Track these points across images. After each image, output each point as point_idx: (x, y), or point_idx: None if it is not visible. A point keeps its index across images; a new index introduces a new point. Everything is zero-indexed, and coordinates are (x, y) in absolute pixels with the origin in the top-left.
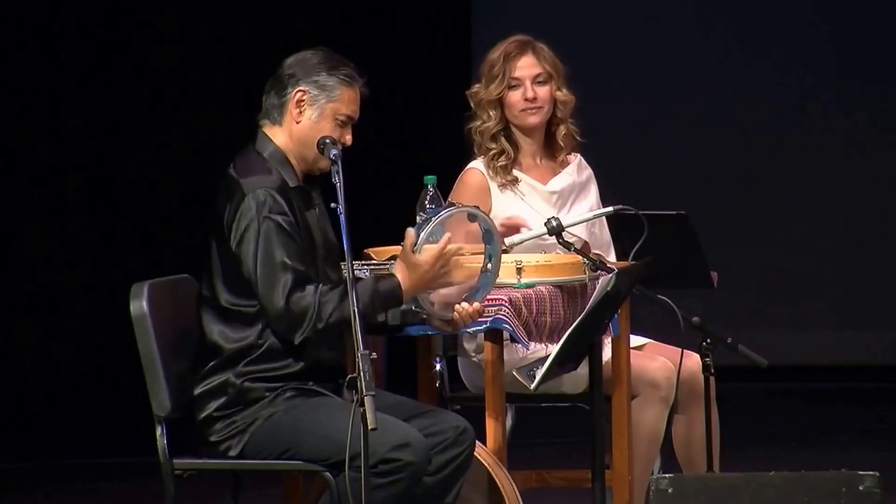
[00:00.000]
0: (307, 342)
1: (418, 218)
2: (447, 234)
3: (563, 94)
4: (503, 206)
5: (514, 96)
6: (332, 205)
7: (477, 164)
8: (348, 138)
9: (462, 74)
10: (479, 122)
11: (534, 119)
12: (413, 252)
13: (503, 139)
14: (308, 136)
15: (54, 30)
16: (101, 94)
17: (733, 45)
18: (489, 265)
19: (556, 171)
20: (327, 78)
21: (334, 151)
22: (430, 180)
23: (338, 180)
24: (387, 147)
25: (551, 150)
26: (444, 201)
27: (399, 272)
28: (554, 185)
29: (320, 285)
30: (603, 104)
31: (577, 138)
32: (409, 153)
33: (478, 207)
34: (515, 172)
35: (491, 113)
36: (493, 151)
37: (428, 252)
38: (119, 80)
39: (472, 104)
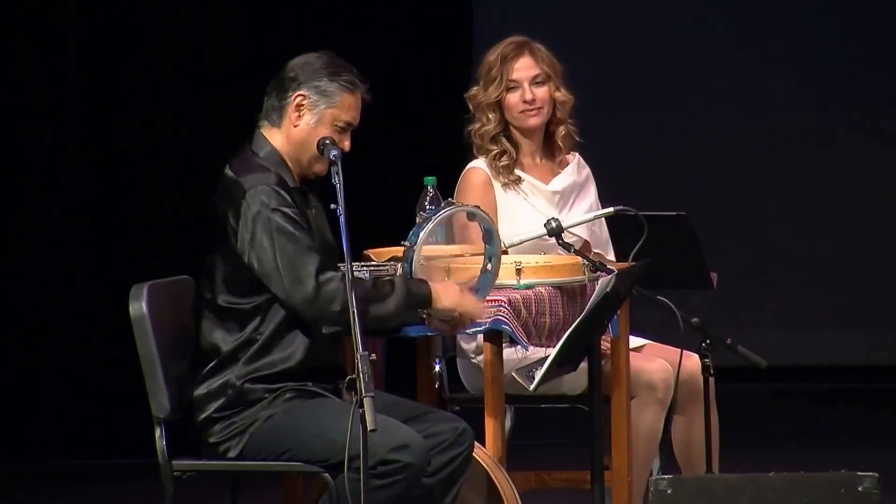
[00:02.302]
0: (341, 318)
1: (418, 218)
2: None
3: (561, 95)
4: (506, 204)
5: (513, 98)
6: (332, 206)
7: (479, 163)
8: (347, 144)
9: (462, 75)
10: (478, 125)
11: (533, 120)
12: (413, 250)
13: (504, 140)
14: (305, 140)
15: (53, 30)
16: (99, 95)
17: (733, 44)
18: (489, 265)
19: (556, 171)
20: (328, 84)
21: (334, 152)
22: (430, 181)
23: (338, 181)
24: (386, 148)
25: (550, 149)
26: (444, 202)
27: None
28: (555, 185)
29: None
30: (602, 104)
31: (576, 138)
32: (409, 154)
33: (479, 207)
34: (518, 172)
35: (490, 116)
36: (495, 152)
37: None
38: (117, 81)
39: (470, 107)
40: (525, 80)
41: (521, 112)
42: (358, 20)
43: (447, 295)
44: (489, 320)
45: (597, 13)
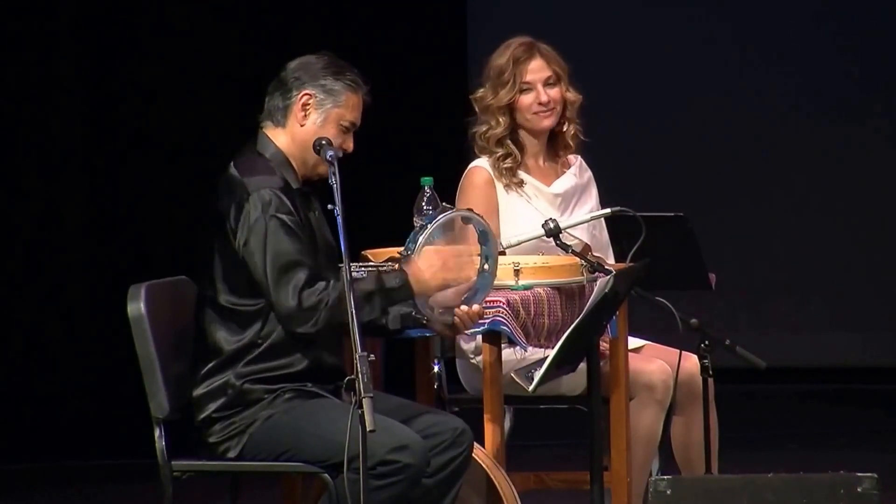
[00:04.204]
0: (320, 334)
1: (415, 221)
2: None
3: (571, 94)
4: (508, 206)
5: (527, 100)
6: (330, 206)
7: (481, 163)
8: (350, 144)
9: (458, 75)
10: (485, 128)
11: (547, 122)
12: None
13: (509, 143)
14: (311, 140)
15: (50, 31)
16: (98, 94)
17: (732, 45)
18: (486, 266)
19: (559, 173)
20: (333, 83)
21: (331, 153)
22: (427, 181)
23: (335, 182)
24: (383, 148)
25: (554, 150)
26: (441, 202)
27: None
28: (557, 188)
29: (331, 281)
30: (600, 104)
31: (582, 137)
32: (406, 154)
33: (472, 210)
34: (521, 174)
35: (500, 119)
36: (499, 154)
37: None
38: (117, 81)
39: (477, 109)
40: (539, 82)
41: (535, 114)
42: (354, 21)
43: (428, 272)
44: (488, 321)
45: (593, 13)
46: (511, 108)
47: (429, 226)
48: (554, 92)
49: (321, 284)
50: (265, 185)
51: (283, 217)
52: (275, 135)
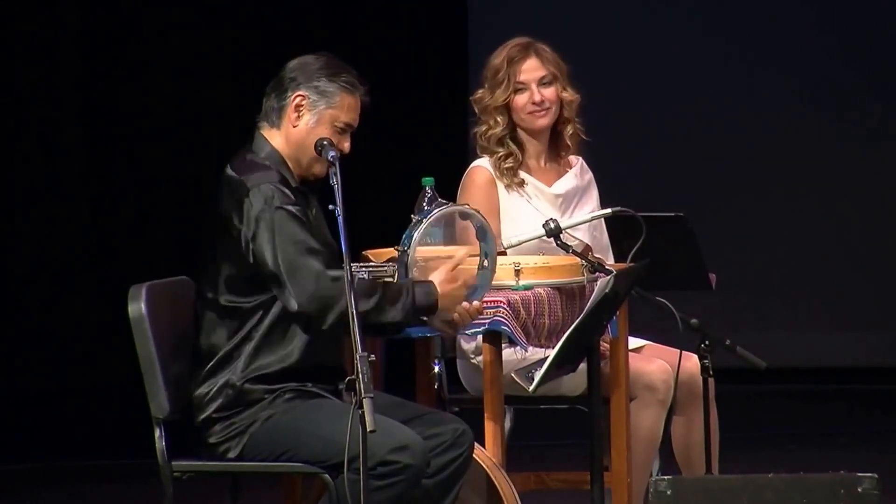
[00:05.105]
0: (340, 323)
1: (412, 218)
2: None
3: (568, 94)
4: (509, 206)
5: (521, 100)
6: (330, 206)
7: (483, 162)
8: (346, 146)
9: (459, 76)
10: (485, 128)
11: (542, 121)
12: (408, 254)
13: (510, 142)
14: (304, 140)
15: (51, 29)
16: (97, 94)
17: (732, 45)
18: (485, 262)
19: (560, 174)
20: (328, 84)
21: (332, 153)
22: (428, 181)
23: (336, 182)
24: (384, 148)
25: (556, 151)
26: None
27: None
28: (558, 188)
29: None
30: (600, 105)
31: (583, 137)
32: (407, 154)
33: (468, 205)
34: (522, 175)
35: (498, 119)
36: (500, 154)
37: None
38: (116, 81)
39: (476, 110)
40: (532, 82)
41: (530, 113)
42: (355, 22)
43: (449, 301)
44: (488, 321)
45: (594, 13)
46: (508, 108)
47: (424, 220)
48: (549, 91)
49: (340, 272)
50: (264, 181)
51: (289, 207)
52: (270, 135)
